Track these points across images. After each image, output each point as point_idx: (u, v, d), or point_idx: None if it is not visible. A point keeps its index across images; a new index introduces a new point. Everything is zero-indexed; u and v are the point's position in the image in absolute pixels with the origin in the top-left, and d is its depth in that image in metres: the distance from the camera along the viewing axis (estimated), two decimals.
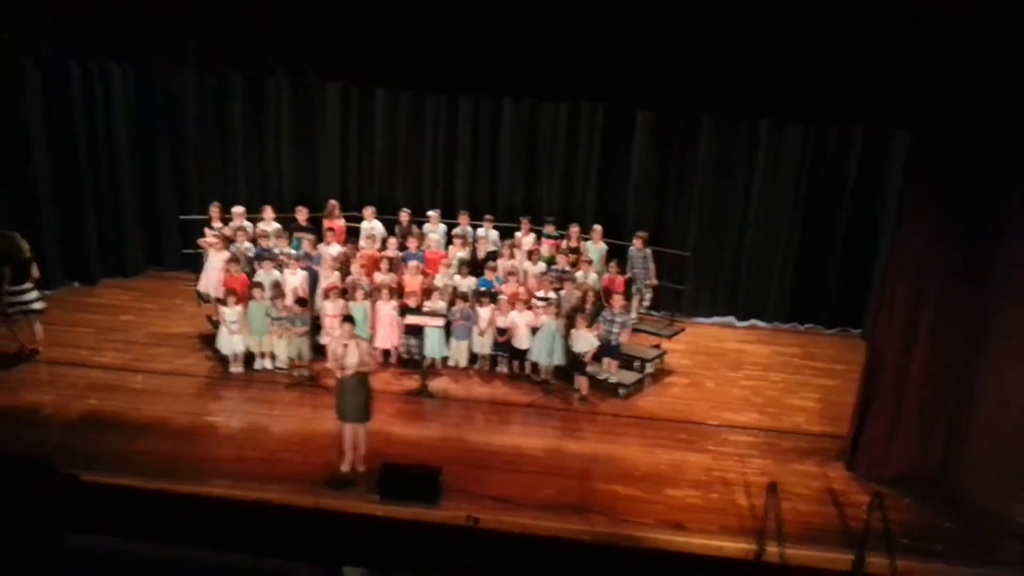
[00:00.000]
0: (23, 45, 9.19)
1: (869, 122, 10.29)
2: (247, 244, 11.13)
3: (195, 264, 11.56)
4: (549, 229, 12.16)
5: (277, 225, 11.62)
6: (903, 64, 7.20)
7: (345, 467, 8.06)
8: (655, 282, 11.89)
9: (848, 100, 7.57)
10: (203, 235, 11.28)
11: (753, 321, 13.13)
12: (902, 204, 8.39)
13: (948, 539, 7.42)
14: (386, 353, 10.66)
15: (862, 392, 8.57)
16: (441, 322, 10.31)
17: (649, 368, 10.76)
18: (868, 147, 12.16)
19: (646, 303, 12.18)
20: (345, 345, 7.90)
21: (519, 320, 10.35)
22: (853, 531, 7.32)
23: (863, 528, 6.93)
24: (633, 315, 11.56)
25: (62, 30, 8.27)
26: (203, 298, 11.26)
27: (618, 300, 10.43)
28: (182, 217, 12.95)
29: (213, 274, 10.85)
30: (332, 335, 9.29)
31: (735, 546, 7.15)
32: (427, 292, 10.69)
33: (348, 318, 8.41)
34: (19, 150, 11.79)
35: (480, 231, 12.07)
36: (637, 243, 11.72)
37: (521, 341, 10.43)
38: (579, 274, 11.13)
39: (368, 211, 12.05)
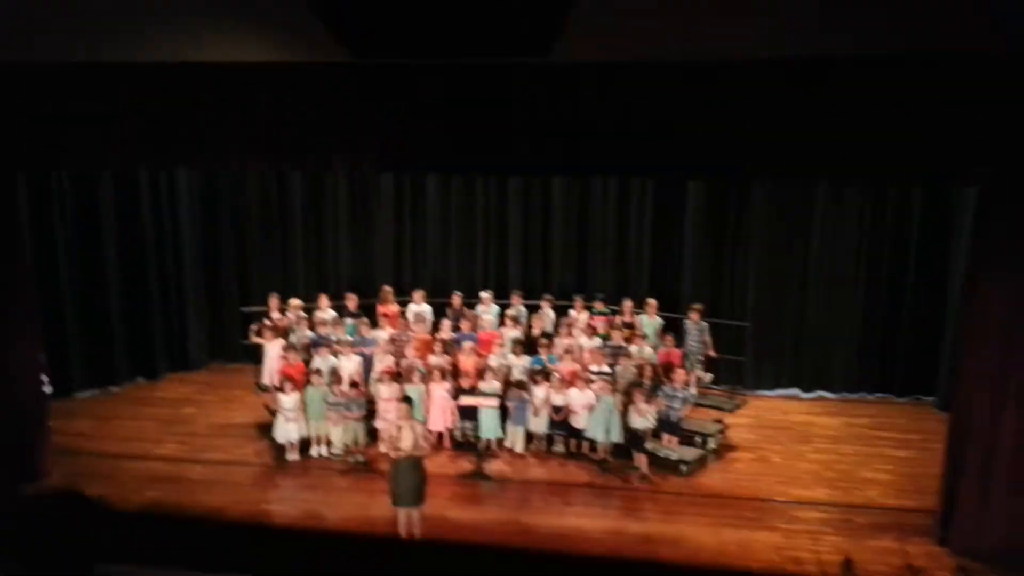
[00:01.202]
0: (96, 162, 9.69)
1: (932, 181, 10.06)
2: (306, 332, 11.35)
3: (255, 355, 11.79)
4: (599, 306, 12.10)
5: (333, 312, 11.85)
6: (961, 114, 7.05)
7: None
8: (713, 354, 11.63)
9: (910, 157, 7.41)
10: (261, 325, 11.53)
11: (820, 392, 12.70)
12: (976, 263, 8.07)
13: None
14: (440, 436, 10.58)
15: (948, 462, 8.10)
16: (495, 403, 10.23)
17: (711, 444, 10.43)
18: (928, 204, 11.91)
19: (701, 377, 11.90)
20: (400, 427, 7.87)
21: (577, 398, 10.20)
22: None
23: None
24: (693, 390, 11.30)
25: (135, 144, 8.70)
26: (262, 388, 11.43)
27: (680, 375, 10.23)
28: (243, 309, 13.30)
29: (271, 363, 11.05)
30: (387, 418, 9.28)
31: None
32: (481, 373, 10.66)
33: (404, 399, 8.41)
34: (87, 249, 12.34)
35: (539, 311, 12.08)
36: (693, 316, 11.56)
37: (578, 420, 10.25)
38: (634, 348, 10.98)
39: (417, 295, 12.20)
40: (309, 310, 11.91)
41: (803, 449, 10.62)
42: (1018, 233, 7.44)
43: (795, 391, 12.74)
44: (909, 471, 9.81)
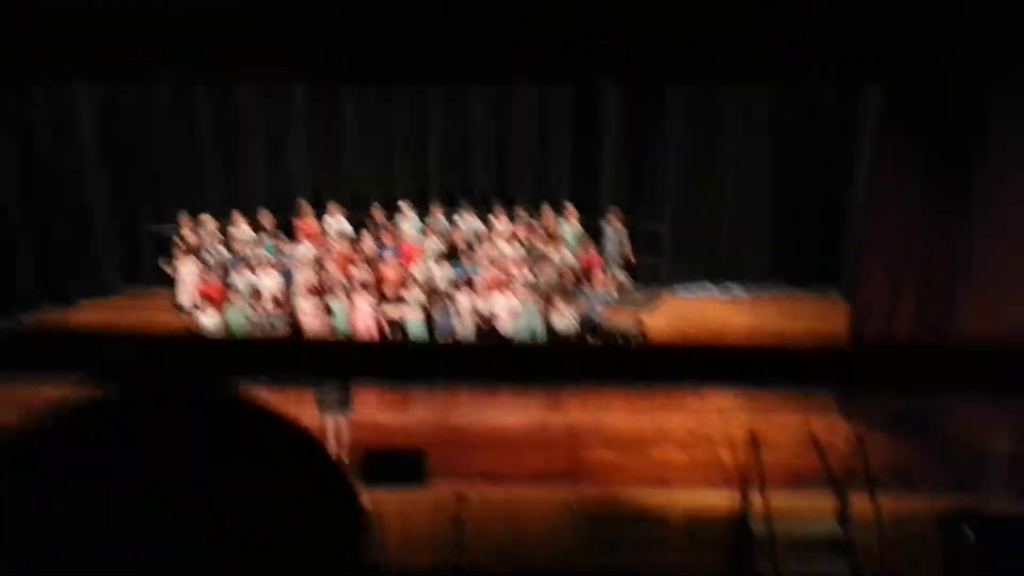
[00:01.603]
0: None
1: (839, 78, 10.31)
2: (221, 250, 11.14)
3: (171, 277, 11.54)
4: (521, 213, 12.21)
5: (249, 230, 11.64)
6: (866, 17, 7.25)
7: None
8: (631, 257, 11.94)
9: (816, 56, 7.61)
10: (171, 246, 11.25)
11: (733, 290, 13.21)
12: (876, 158, 8.44)
13: (931, 473, 7.48)
14: None
15: (851, 335, 8.64)
16: (420, 312, 10.33)
17: (631, 341, 10.81)
18: (837, 103, 12.24)
19: (619, 279, 12.23)
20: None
21: (501, 304, 10.38)
22: (837, 474, 7.36)
23: (846, 471, 6.99)
24: (612, 291, 11.64)
25: (29, 53, 8.23)
26: (182, 309, 11.25)
27: (599, 277, 10.50)
28: (153, 227, 12.86)
29: (186, 284, 10.85)
30: (311, 333, 9.31)
31: (720, 498, 7.19)
32: (404, 284, 10.72)
33: (327, 311, 8.44)
34: None
35: (457, 219, 12.11)
36: (612, 220, 11.78)
37: (503, 326, 10.46)
38: (554, 254, 11.18)
39: (334, 208, 12.07)
40: (223, 228, 11.66)
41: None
42: (918, 135, 7.80)
43: (710, 287, 13.23)
44: None
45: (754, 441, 7.14)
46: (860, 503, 6.86)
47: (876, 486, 6.88)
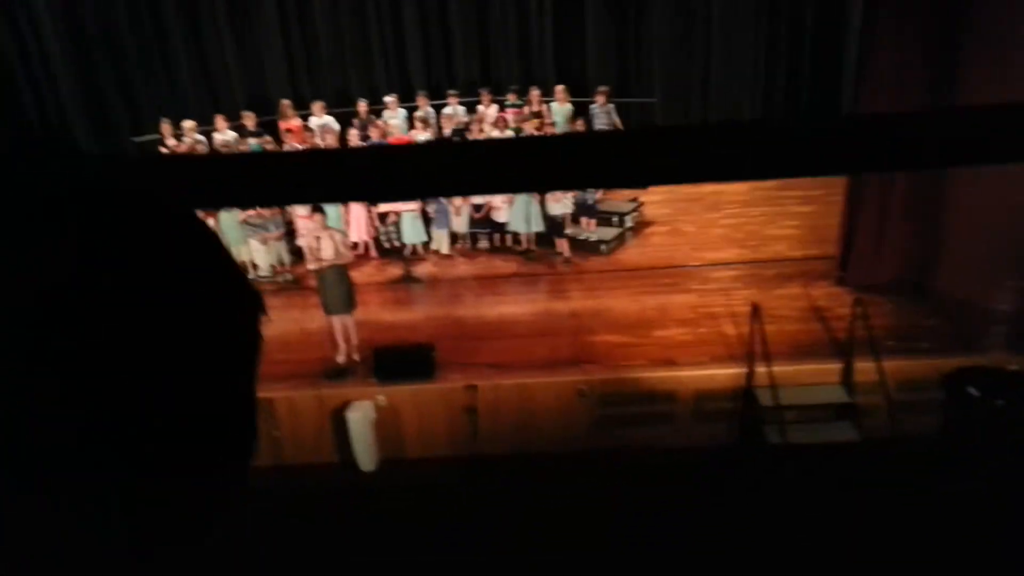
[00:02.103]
0: None
1: None
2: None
3: None
4: (512, 98, 11.87)
5: (233, 133, 11.34)
6: None
7: (340, 358, 8.17)
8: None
9: None
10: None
11: None
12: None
13: (933, 336, 7.62)
14: (365, 246, 10.62)
15: (848, 205, 8.59)
16: (415, 207, 10.22)
17: (628, 222, 10.78)
18: None
19: None
20: (318, 238, 7.85)
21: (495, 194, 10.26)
22: (840, 342, 7.51)
23: (848, 336, 7.11)
24: None
25: None
26: None
27: None
28: (136, 139, 12.58)
29: None
30: (306, 234, 9.22)
31: (726, 372, 7.35)
32: None
33: (318, 209, 8.33)
34: None
35: (447, 109, 11.78)
36: (599, 99, 11.47)
37: (499, 215, 10.37)
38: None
39: (317, 106, 11.72)
40: (206, 133, 11.36)
41: (714, 216, 11.08)
42: None
43: None
44: (813, 224, 10.40)
45: (756, 313, 7.22)
46: (864, 369, 7.02)
47: (879, 351, 7.02)
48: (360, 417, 7.47)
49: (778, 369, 7.00)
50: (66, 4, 12.27)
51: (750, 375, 7.14)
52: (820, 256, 9.31)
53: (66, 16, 12.38)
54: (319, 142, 11.15)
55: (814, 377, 7.28)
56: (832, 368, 7.27)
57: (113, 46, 12.76)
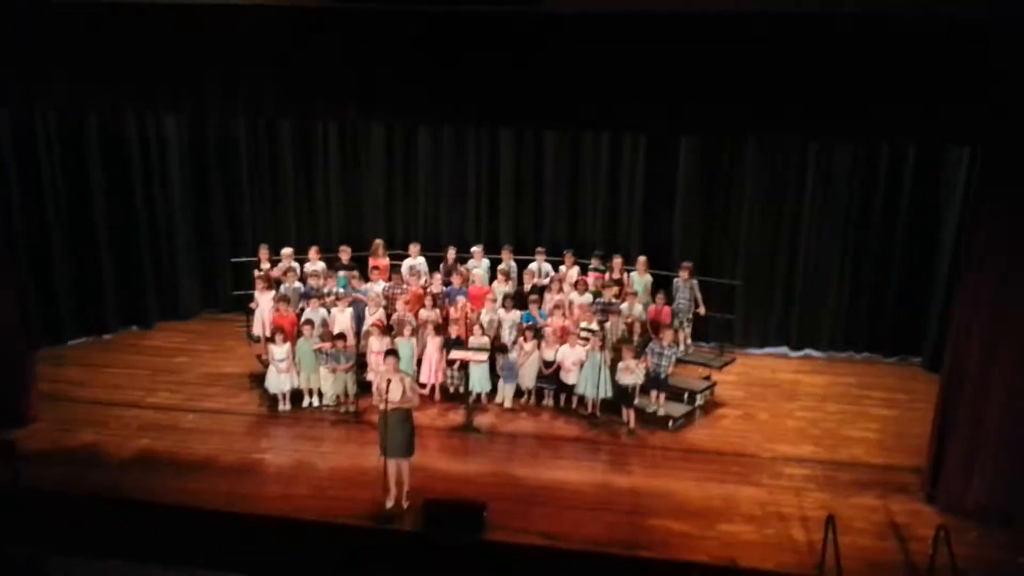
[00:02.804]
0: (83, 100, 9.52)
1: (930, 138, 9.91)
2: (296, 284, 11.33)
3: (246, 306, 11.77)
4: (595, 263, 12.08)
5: (323, 264, 11.82)
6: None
7: (390, 503, 8.01)
8: (703, 311, 11.65)
9: (905, 116, 7.37)
10: (252, 277, 11.51)
11: (807, 351, 12.79)
12: (972, 224, 8.06)
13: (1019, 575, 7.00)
14: (431, 389, 10.64)
15: (938, 420, 8.21)
16: (484, 358, 10.26)
17: (699, 400, 10.53)
18: (921, 165, 11.84)
19: (686, 336, 11.89)
20: (389, 380, 7.90)
21: (567, 355, 10.23)
22: (917, 566, 6.96)
23: (928, 563, 6.59)
24: (682, 347, 11.40)
25: (119, 84, 8.60)
26: (253, 338, 11.45)
27: (667, 332, 10.28)
28: (234, 260, 13.24)
29: (263, 314, 11.03)
30: (377, 371, 9.32)
31: None
32: (471, 327, 10.68)
33: (392, 352, 8.44)
34: (77, 201, 12.23)
35: (532, 265, 12.05)
36: (683, 274, 11.56)
37: (569, 376, 10.30)
38: (624, 305, 11.01)
39: (414, 248, 12.19)
40: (300, 262, 11.88)
41: (790, 407, 10.74)
42: (1012, 187, 7.43)
43: (783, 349, 12.82)
44: (895, 430, 9.96)
45: (831, 524, 6.79)
46: None
47: None
48: None
49: None
50: (194, 127, 13.35)
51: None
52: (901, 467, 8.84)
53: (192, 136, 13.43)
54: (408, 282, 11.44)
55: None
56: None
57: (226, 168, 13.71)
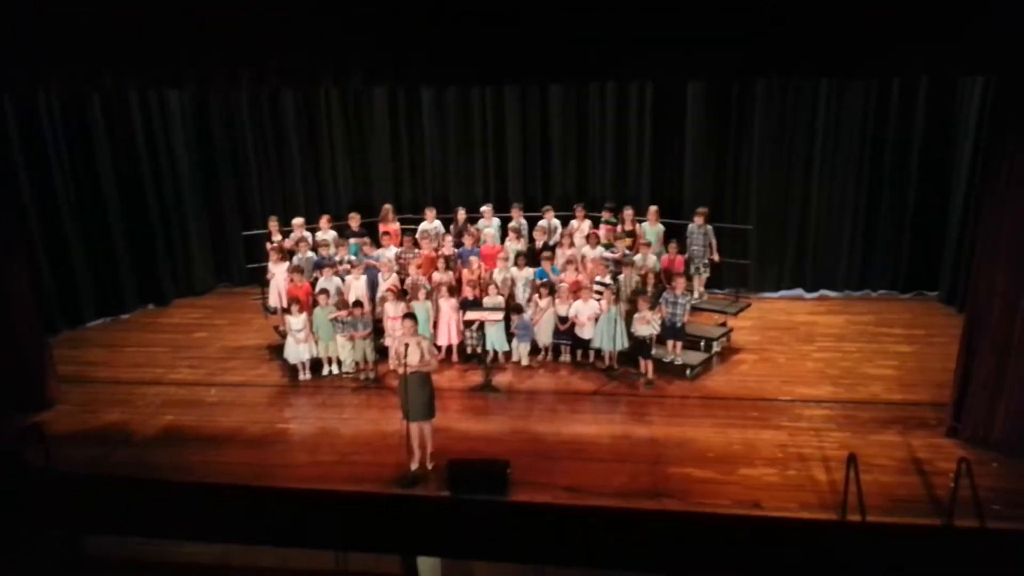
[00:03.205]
0: (86, 78, 9.46)
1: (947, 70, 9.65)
2: (309, 253, 11.35)
3: (261, 278, 11.83)
4: (606, 215, 12.01)
5: (334, 233, 11.84)
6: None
7: (414, 465, 8.11)
8: (718, 258, 11.60)
9: (917, 48, 7.19)
10: (265, 249, 11.55)
11: (823, 292, 12.74)
12: (993, 156, 7.91)
13: None
14: (448, 350, 10.71)
15: (963, 353, 8.17)
16: (499, 316, 10.29)
17: (716, 347, 10.54)
18: (932, 100, 11.62)
19: (701, 282, 11.85)
20: (407, 344, 7.94)
21: (582, 310, 10.24)
22: (940, 500, 7.00)
23: (950, 496, 6.63)
24: (697, 294, 11.38)
25: (121, 61, 8.55)
26: (269, 310, 11.53)
27: (680, 281, 10.25)
28: (245, 233, 13.27)
29: (278, 285, 11.08)
30: (394, 335, 9.38)
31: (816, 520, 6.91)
32: (485, 288, 10.69)
33: (409, 315, 8.48)
34: (88, 184, 12.26)
35: (542, 222, 12.00)
36: (698, 220, 11.48)
37: (584, 331, 10.32)
38: (638, 257, 10.97)
39: (430, 212, 12.16)
40: (312, 231, 11.90)
41: (807, 348, 10.73)
42: None
43: (798, 292, 12.78)
44: (914, 365, 9.94)
45: (853, 463, 6.83)
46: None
47: (984, 515, 6.51)
48: None
49: (872, 522, 6.55)
50: (197, 102, 13.29)
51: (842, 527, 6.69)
52: (921, 402, 8.85)
53: (196, 112, 13.39)
54: (422, 246, 11.44)
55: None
56: (931, 528, 6.74)
57: (232, 141, 13.68)
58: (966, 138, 11.34)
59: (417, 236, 11.72)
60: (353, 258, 11.14)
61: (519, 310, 10.52)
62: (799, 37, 7.29)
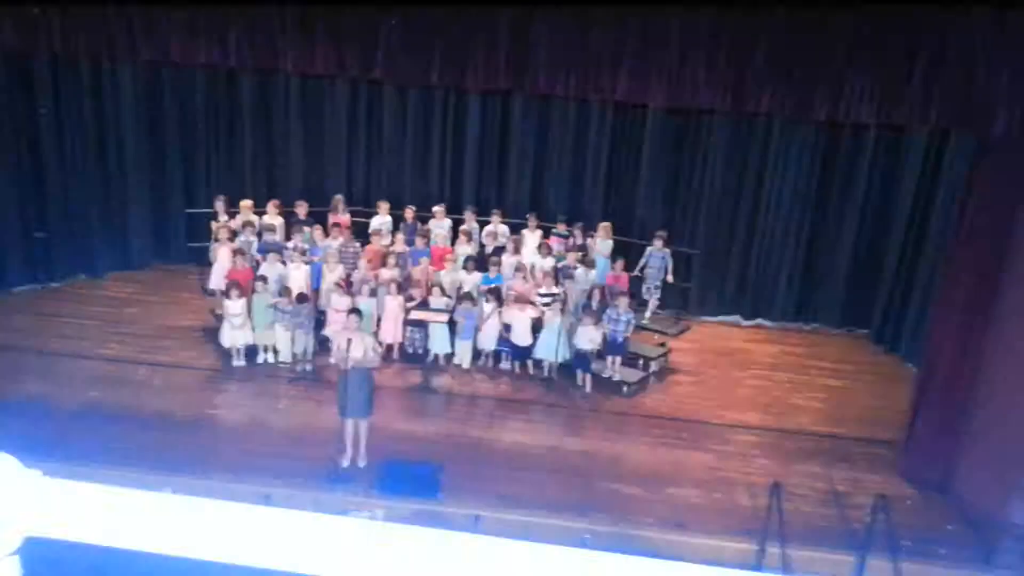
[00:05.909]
0: (37, 45, 9.11)
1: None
2: (252, 238, 11.14)
3: (201, 258, 11.55)
4: (560, 228, 12.11)
5: (281, 219, 11.64)
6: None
7: (345, 462, 8.04)
8: (671, 279, 11.78)
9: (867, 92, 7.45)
10: (210, 229, 11.29)
11: (760, 320, 13.06)
12: (961, 215, 8.21)
13: (951, 542, 7.35)
14: (390, 348, 10.64)
15: (914, 405, 8.48)
16: (445, 318, 10.28)
17: (654, 366, 10.72)
18: (879, 155, 12.03)
19: (655, 303, 12.04)
20: (350, 340, 7.87)
21: (518, 318, 10.29)
22: (856, 533, 7.26)
23: (866, 530, 6.88)
24: (648, 314, 11.57)
25: (74, 31, 8.27)
26: (208, 292, 11.27)
27: (623, 299, 10.38)
28: (189, 211, 12.94)
29: (222, 267, 10.84)
30: (337, 328, 9.28)
31: (736, 546, 7.10)
32: (430, 287, 10.66)
33: (355, 311, 8.40)
34: (27, 144, 11.79)
35: (489, 227, 12.01)
36: (657, 243, 11.65)
37: (520, 337, 10.36)
38: (578, 271, 11.07)
39: (383, 206, 12.06)
40: (260, 215, 11.67)
41: (740, 375, 10.99)
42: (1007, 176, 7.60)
43: (736, 318, 13.08)
44: (840, 400, 10.29)
45: (776, 491, 7.03)
46: (879, 567, 6.76)
47: (896, 549, 6.77)
48: None
49: (790, 552, 6.75)
50: (149, 77, 12.88)
51: (761, 554, 6.89)
52: (844, 436, 9.16)
53: (148, 85, 12.97)
54: (373, 240, 11.34)
55: (827, 566, 7.00)
56: (845, 559, 6.99)
57: (183, 117, 13.30)
58: (908, 187, 11.76)
59: (370, 231, 11.61)
60: (305, 246, 10.97)
61: (471, 298, 10.43)
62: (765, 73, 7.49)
